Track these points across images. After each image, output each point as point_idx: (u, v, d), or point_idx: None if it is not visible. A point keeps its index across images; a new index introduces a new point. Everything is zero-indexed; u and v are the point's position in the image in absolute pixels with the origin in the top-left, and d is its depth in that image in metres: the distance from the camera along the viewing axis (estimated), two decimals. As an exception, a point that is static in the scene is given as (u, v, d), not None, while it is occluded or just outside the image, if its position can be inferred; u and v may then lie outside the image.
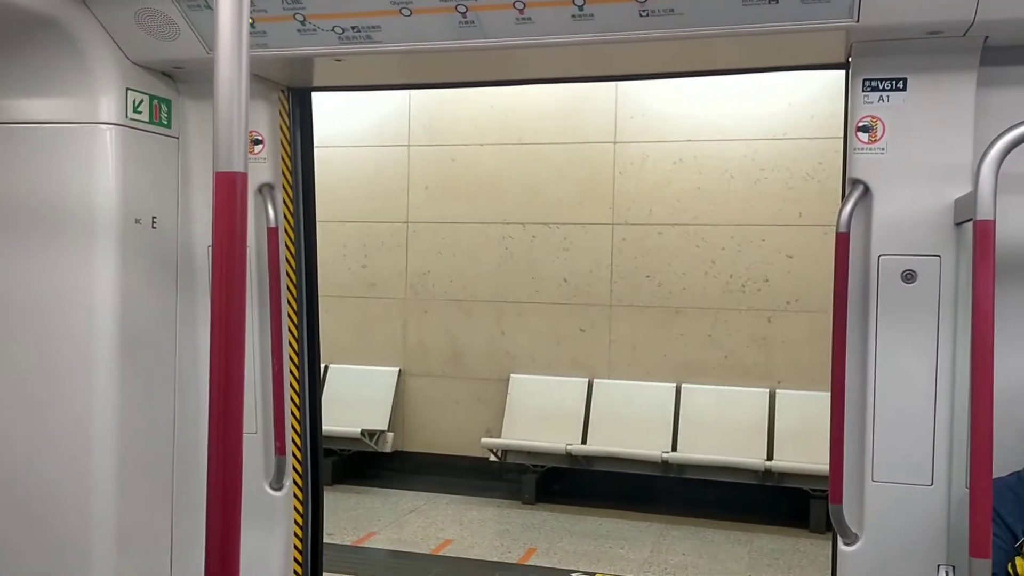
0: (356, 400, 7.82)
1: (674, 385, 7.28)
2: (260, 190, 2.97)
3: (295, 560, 3.18)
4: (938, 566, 2.36)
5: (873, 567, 2.40)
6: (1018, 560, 2.14)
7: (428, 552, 6.06)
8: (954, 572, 2.34)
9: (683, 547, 6.21)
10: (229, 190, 1.29)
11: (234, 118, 1.29)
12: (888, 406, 2.37)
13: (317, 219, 3.30)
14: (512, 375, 7.70)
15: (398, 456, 7.97)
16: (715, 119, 7.18)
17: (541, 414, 7.45)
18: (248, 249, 2.91)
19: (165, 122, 2.96)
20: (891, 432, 2.37)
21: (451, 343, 7.92)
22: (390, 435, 7.84)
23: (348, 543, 6.19)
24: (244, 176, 1.30)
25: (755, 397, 7.06)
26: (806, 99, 6.91)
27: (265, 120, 2.98)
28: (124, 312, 2.82)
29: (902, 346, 2.35)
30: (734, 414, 7.04)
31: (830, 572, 2.62)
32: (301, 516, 3.19)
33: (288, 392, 3.08)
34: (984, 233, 1.89)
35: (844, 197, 2.42)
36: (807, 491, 6.59)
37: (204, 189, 3.00)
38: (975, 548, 1.88)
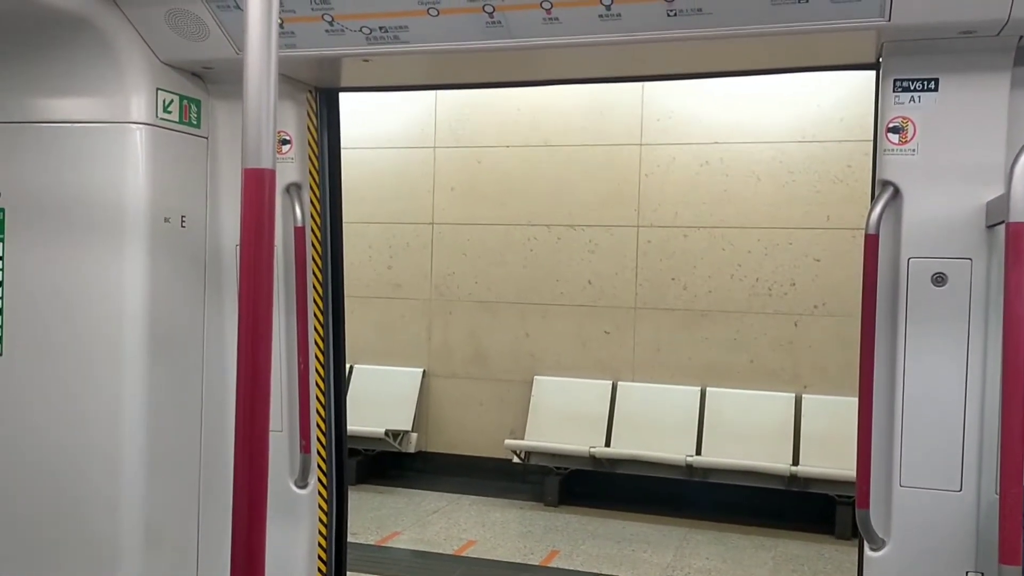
0: (380, 400, 7.85)
1: (699, 388, 7.24)
2: (288, 190, 2.99)
3: (319, 558, 3.19)
4: (967, 573, 2.33)
5: (900, 573, 2.37)
6: (1049, 568, 2.11)
7: (451, 553, 6.06)
8: (983, 580, 2.31)
9: (706, 551, 6.17)
10: (258, 187, 1.30)
11: (263, 116, 1.30)
12: (917, 410, 2.34)
13: (344, 220, 3.32)
14: (536, 377, 7.69)
15: (422, 456, 7.99)
16: (742, 121, 7.14)
17: (565, 416, 7.44)
18: (275, 248, 2.95)
19: (195, 122, 2.99)
20: (919, 436, 2.34)
21: (475, 344, 7.93)
22: (414, 435, 7.86)
23: (372, 542, 6.21)
24: (272, 173, 1.31)
25: (781, 401, 7.00)
26: (835, 101, 6.85)
27: (293, 120, 3.00)
28: (153, 310, 2.85)
29: (931, 350, 2.33)
30: (759, 418, 6.99)
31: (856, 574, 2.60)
32: (325, 514, 3.21)
33: (313, 391, 3.10)
34: (1017, 235, 1.87)
35: (874, 199, 2.40)
36: (833, 497, 6.52)
37: (233, 189, 3.03)
38: (1005, 555, 1.86)
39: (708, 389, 7.22)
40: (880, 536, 2.40)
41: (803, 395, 6.99)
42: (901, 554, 2.37)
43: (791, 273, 7.05)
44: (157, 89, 2.83)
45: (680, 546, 6.27)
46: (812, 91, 6.89)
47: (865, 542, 2.43)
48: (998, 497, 1.93)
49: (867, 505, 2.39)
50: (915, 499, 2.36)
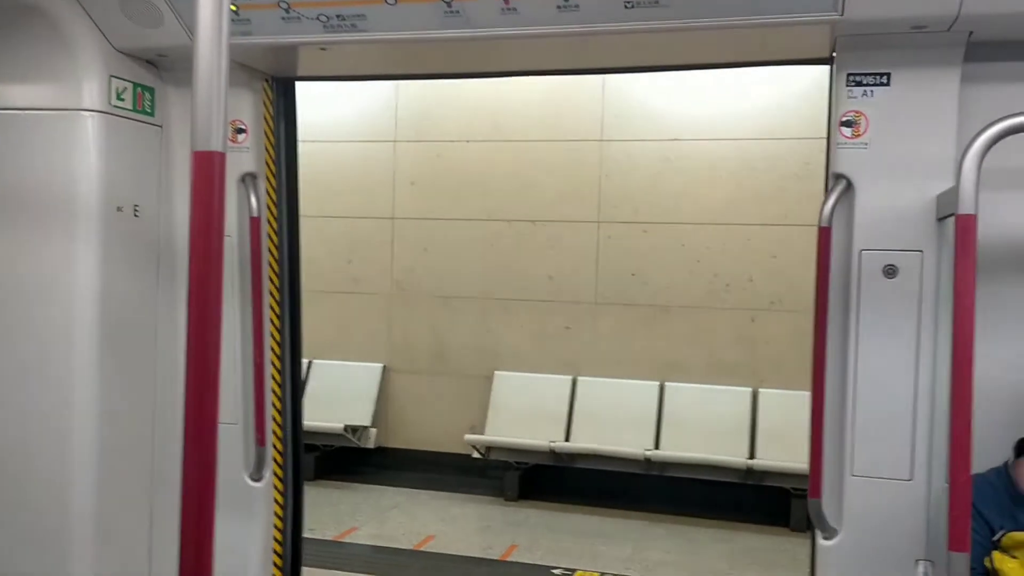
0: (339, 396, 7.79)
1: (658, 383, 7.29)
2: (243, 179, 2.95)
3: (274, 551, 3.16)
4: (916, 561, 2.37)
5: (851, 561, 2.40)
6: (995, 554, 2.15)
7: (410, 548, 6.04)
8: (932, 567, 2.35)
9: (665, 545, 6.22)
10: (207, 170, 1.28)
11: (213, 97, 1.28)
12: (868, 400, 2.38)
13: (301, 212, 3.28)
14: (496, 372, 7.69)
15: (381, 452, 7.94)
16: (702, 119, 7.20)
17: (525, 411, 7.44)
18: (230, 239, 2.91)
19: (148, 110, 2.94)
20: (871, 426, 2.38)
21: (436, 340, 7.90)
22: (373, 431, 7.82)
23: (329, 538, 6.17)
24: (222, 156, 1.29)
25: (738, 396, 7.07)
26: (793, 99, 6.93)
27: (249, 109, 2.96)
28: (105, 299, 2.79)
29: (883, 340, 2.36)
30: (717, 413, 7.05)
31: (809, 566, 2.63)
32: (281, 507, 3.17)
33: (269, 383, 3.07)
34: (966, 227, 1.90)
35: (827, 192, 2.43)
36: (788, 490, 6.60)
37: (186, 178, 2.97)
38: (954, 542, 1.89)
39: (667, 384, 7.27)
40: (832, 525, 2.44)
41: (759, 390, 7.07)
42: (852, 542, 2.41)
43: (749, 269, 7.13)
44: (110, 76, 2.78)
45: (639, 539, 6.31)
46: (771, 89, 6.96)
47: (817, 531, 2.47)
48: (947, 486, 1.97)
49: (819, 494, 2.42)
50: (866, 488, 2.40)
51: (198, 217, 1.30)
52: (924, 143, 2.32)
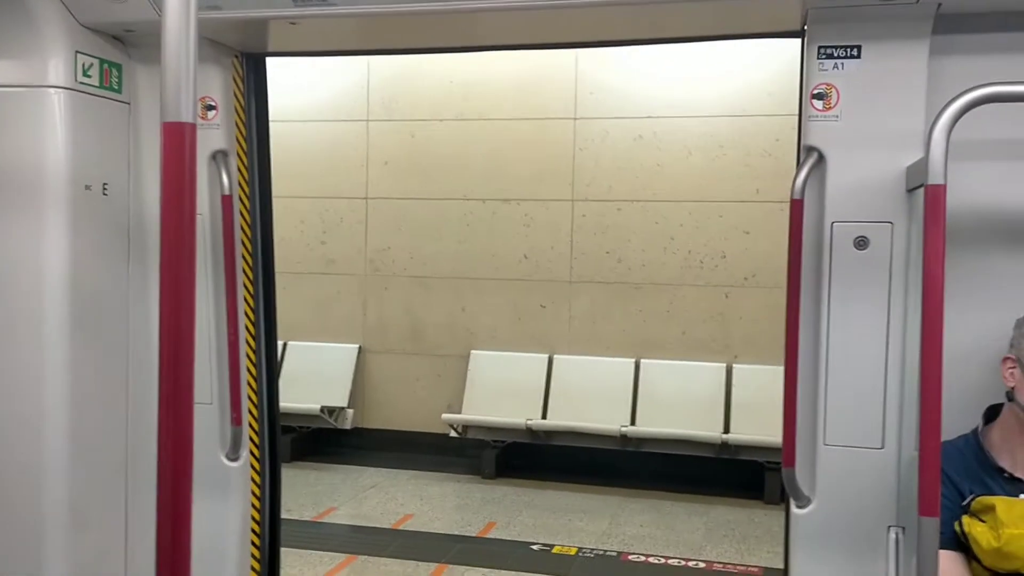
0: (315, 377, 7.78)
1: (633, 360, 7.34)
2: (214, 157, 2.91)
3: (252, 531, 3.15)
4: (888, 527, 2.40)
5: (825, 528, 2.44)
6: (965, 518, 2.19)
7: (388, 527, 6.06)
8: (903, 533, 2.39)
9: (641, 519, 6.29)
10: (178, 142, 1.26)
11: (182, 68, 1.26)
12: (840, 371, 2.41)
13: (273, 192, 3.25)
14: (472, 351, 7.70)
15: (358, 433, 7.94)
16: (675, 96, 7.21)
17: (501, 390, 7.47)
18: (202, 217, 2.88)
19: (116, 87, 2.89)
20: (843, 396, 2.41)
21: (411, 320, 7.90)
22: (350, 412, 7.82)
23: (307, 518, 6.17)
24: (193, 127, 1.27)
25: (712, 372, 7.14)
26: (764, 76, 6.96)
27: (218, 85, 2.92)
28: (75, 280, 2.76)
29: (854, 312, 2.39)
30: (691, 389, 7.12)
31: (783, 535, 2.66)
32: (258, 487, 3.16)
33: (244, 362, 3.05)
34: (935, 198, 1.92)
35: (799, 165, 2.44)
36: (762, 463, 6.70)
37: (156, 156, 2.94)
38: (924, 507, 1.92)
39: (642, 361, 7.32)
40: (805, 493, 2.47)
41: (733, 365, 7.14)
42: (825, 510, 2.44)
43: (722, 245, 7.17)
44: (76, 52, 2.73)
45: (615, 514, 6.37)
46: (742, 66, 6.99)
47: (791, 500, 2.50)
48: (917, 453, 2.00)
49: (793, 464, 2.45)
50: (838, 457, 2.43)
51: (169, 190, 1.28)
52: (894, 115, 2.33)
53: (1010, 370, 2.21)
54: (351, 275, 8.00)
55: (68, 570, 2.81)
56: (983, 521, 2.16)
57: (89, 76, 2.78)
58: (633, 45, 3.03)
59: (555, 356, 7.54)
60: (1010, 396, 2.21)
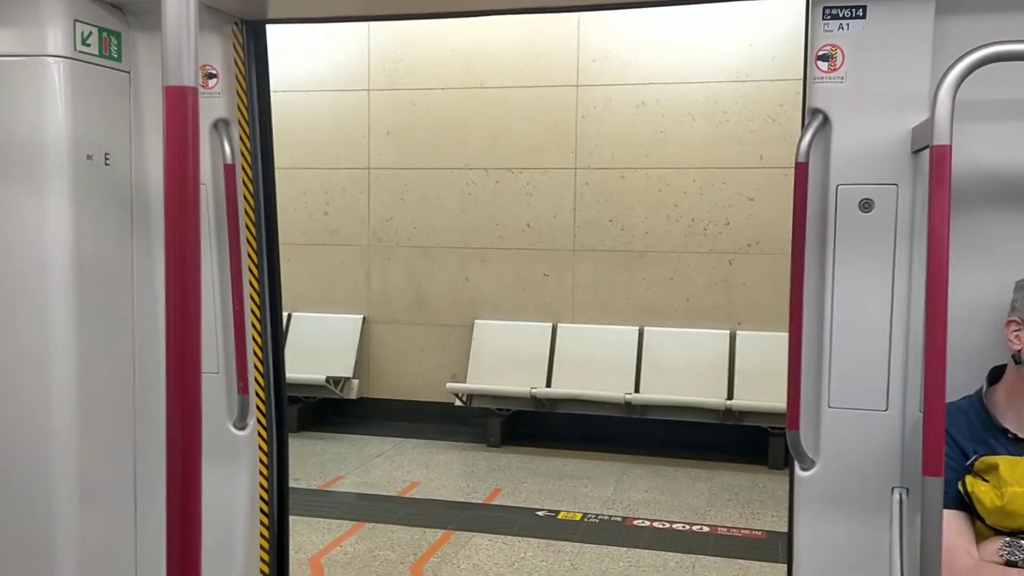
0: (320, 348, 7.80)
1: (637, 328, 7.35)
2: (215, 126, 2.90)
3: (261, 499, 3.18)
4: (892, 488, 2.42)
5: (828, 490, 2.45)
6: (968, 478, 2.21)
7: (395, 494, 6.11)
8: (907, 494, 2.40)
9: (645, 484, 6.33)
10: (180, 106, 1.25)
11: (183, 33, 1.25)
12: (845, 333, 2.41)
13: (276, 162, 3.24)
14: (476, 321, 7.71)
15: (363, 402, 7.98)
16: (678, 61, 7.15)
17: (506, 359, 7.49)
18: (205, 187, 2.87)
19: (115, 56, 2.87)
20: (847, 359, 2.41)
21: (415, 290, 7.90)
22: (355, 382, 7.85)
23: (315, 487, 6.23)
24: (195, 91, 1.26)
25: (716, 339, 7.16)
26: (768, 41, 6.90)
27: (219, 53, 2.90)
28: (79, 251, 2.76)
29: (859, 274, 2.38)
30: (695, 356, 7.14)
31: (787, 498, 2.68)
32: (266, 455, 3.19)
33: (250, 331, 3.05)
34: (940, 158, 1.91)
35: (803, 127, 2.43)
36: (766, 428, 6.73)
37: (157, 125, 2.93)
38: (928, 467, 1.93)
39: (646, 328, 7.33)
40: (810, 456, 2.48)
41: (737, 332, 7.15)
42: (830, 472, 2.45)
43: (725, 212, 7.15)
44: (75, 21, 2.71)
45: (620, 480, 6.42)
46: (745, 31, 6.93)
47: (796, 462, 2.51)
48: (922, 414, 2.00)
49: (797, 427, 2.46)
50: (843, 419, 2.44)
51: (172, 156, 1.27)
52: (900, 76, 2.31)
53: (1015, 332, 2.21)
54: (354, 246, 8.00)
55: (78, 541, 2.84)
56: (986, 481, 2.17)
57: (88, 45, 2.76)
58: (637, 8, 3.01)
59: (559, 325, 7.55)
60: (1017, 359, 2.21)
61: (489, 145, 7.60)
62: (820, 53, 2.37)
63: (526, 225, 7.59)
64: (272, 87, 3.19)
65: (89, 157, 2.77)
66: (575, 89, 7.41)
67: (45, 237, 2.73)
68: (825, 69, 2.37)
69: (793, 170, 2.41)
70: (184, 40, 1.26)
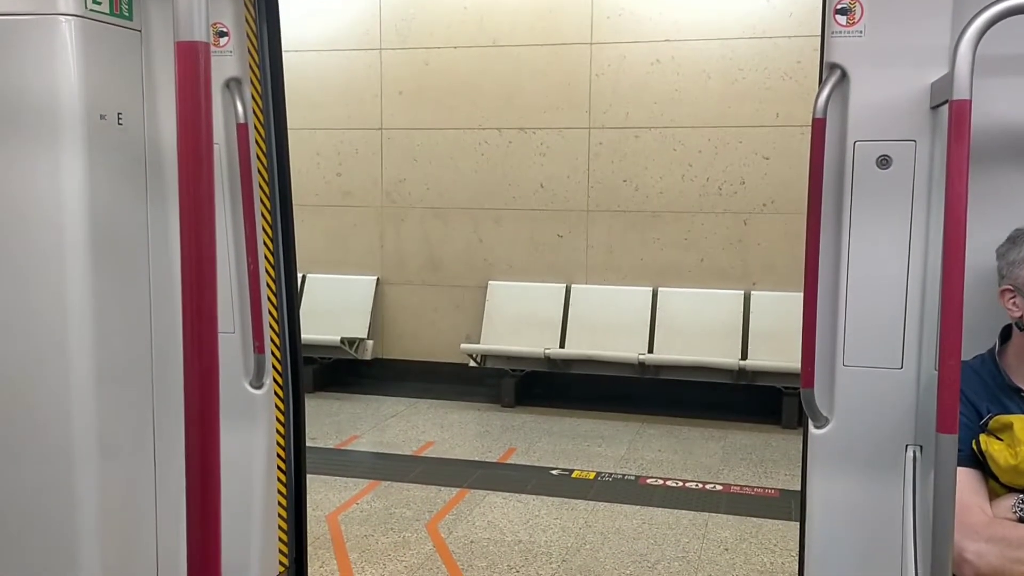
0: (335, 309, 7.84)
1: (651, 289, 7.34)
2: (227, 85, 2.89)
3: (279, 457, 3.22)
4: (906, 446, 2.42)
5: (842, 448, 2.46)
6: (982, 436, 2.20)
7: (410, 453, 6.17)
8: (921, 451, 2.40)
9: (659, 444, 6.37)
10: (192, 62, 1.24)
11: (194, -13, 1.24)
12: (860, 291, 2.39)
13: (288, 123, 3.23)
14: (490, 282, 7.72)
15: (378, 363, 8.04)
16: (693, 18, 7.06)
17: (519, 320, 7.51)
18: (217, 147, 2.87)
19: (126, 14, 2.85)
20: (862, 317, 2.40)
21: (428, 251, 7.91)
22: (370, 343, 7.90)
23: (331, 446, 6.29)
24: (207, 46, 1.25)
25: (730, 299, 7.14)
26: (785, -4, 6.79)
27: (230, 11, 2.88)
28: (94, 211, 2.76)
29: (875, 231, 2.36)
30: (709, 316, 7.13)
31: (800, 457, 2.69)
32: (283, 414, 3.22)
33: (265, 291, 3.07)
34: (960, 113, 1.88)
35: (821, 83, 2.40)
36: (780, 388, 6.74)
37: (170, 85, 2.91)
38: (942, 424, 1.92)
39: (660, 289, 7.32)
40: (824, 414, 2.48)
41: (752, 292, 7.13)
42: (844, 430, 2.46)
43: (741, 171, 7.10)
44: (84, -21, 2.69)
45: (633, 440, 6.45)
46: (762, -14, 6.81)
47: (810, 420, 2.51)
48: (936, 373, 2.00)
49: (811, 385, 2.45)
50: (857, 377, 2.43)
51: (185, 113, 1.27)
52: (919, 30, 2.27)
53: (1012, 300, 2.19)
54: (368, 207, 8.00)
55: (100, 497, 2.88)
56: (1000, 439, 2.17)
57: (99, 3, 2.74)
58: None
59: (573, 285, 7.55)
60: (1020, 325, 2.20)
61: (502, 105, 7.54)
62: (838, 7, 2.33)
63: (539, 186, 7.56)
64: (283, 47, 3.17)
65: (102, 117, 2.76)
66: (589, 47, 7.33)
67: (59, 197, 2.73)
68: (843, 23, 2.33)
69: (810, 128, 2.38)
70: (195, -5, 1.25)
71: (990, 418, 2.21)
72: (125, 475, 3.01)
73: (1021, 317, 2.18)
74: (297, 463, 3.35)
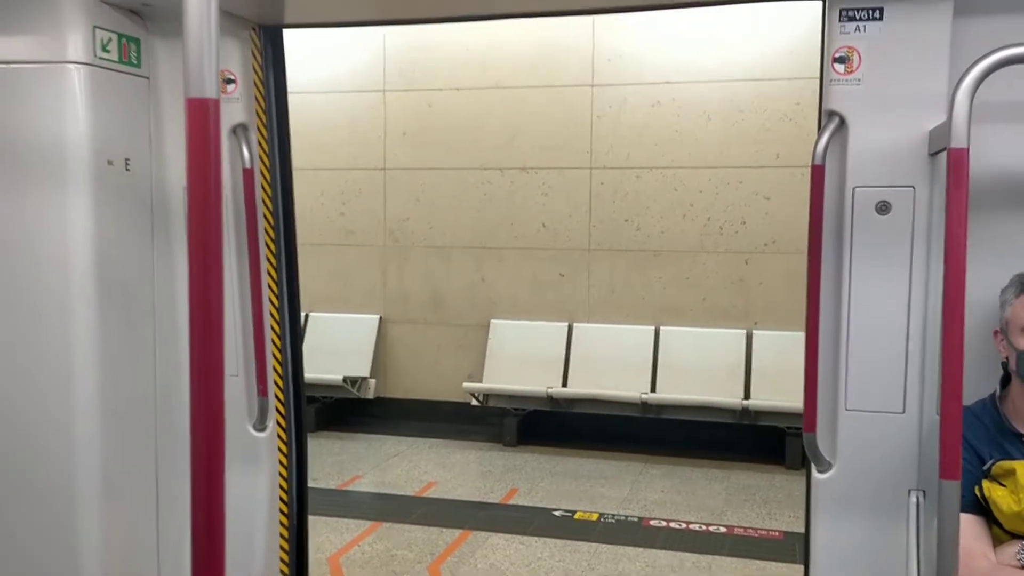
0: (337, 348, 7.84)
1: (653, 328, 7.34)
2: (234, 131, 2.93)
3: (280, 499, 3.21)
4: (909, 491, 2.42)
5: (845, 493, 2.45)
6: (985, 483, 2.20)
7: (412, 494, 6.14)
8: (924, 496, 2.40)
9: (662, 484, 6.33)
10: (202, 118, 1.27)
11: (204, 43, 1.26)
12: (861, 336, 2.41)
13: (293, 164, 3.27)
14: (493, 320, 7.73)
15: (380, 402, 8.02)
16: (693, 61, 7.14)
17: (522, 358, 7.50)
18: (223, 191, 2.90)
19: (135, 61, 2.91)
20: (864, 361, 2.41)
21: (431, 290, 7.93)
22: (372, 382, 7.88)
23: (333, 487, 6.26)
24: (217, 103, 1.28)
25: (732, 338, 7.14)
26: (784, 40, 6.87)
27: (237, 59, 2.93)
28: (100, 255, 2.79)
29: (875, 276, 2.38)
30: (712, 355, 7.12)
31: (804, 500, 2.68)
32: (285, 456, 3.22)
33: (269, 334, 3.08)
34: (958, 161, 1.90)
35: (820, 129, 2.43)
36: (783, 428, 6.71)
37: (176, 130, 2.96)
38: (945, 471, 1.92)
39: (662, 328, 7.32)
40: (827, 458, 2.48)
41: (754, 331, 7.13)
42: (846, 474, 2.45)
43: (742, 211, 7.13)
44: (94, 27, 2.74)
45: (636, 480, 6.42)
46: (762, 30, 6.90)
47: (812, 464, 2.51)
48: (938, 417, 2.00)
49: (814, 429, 2.46)
50: (860, 422, 2.44)
51: (195, 166, 1.29)
52: (917, 78, 2.31)
53: (1001, 342, 2.22)
54: (371, 246, 8.03)
55: (101, 539, 2.87)
56: (1003, 485, 2.17)
57: (108, 51, 2.79)
58: (652, 10, 3.01)
59: (575, 324, 7.55)
60: (1005, 366, 2.22)
61: (505, 145, 7.61)
62: (837, 55, 2.37)
63: (542, 225, 7.60)
64: (288, 89, 3.22)
65: (110, 162, 2.80)
66: (590, 89, 7.40)
67: (67, 241, 2.76)
68: (842, 71, 2.37)
69: (810, 169, 2.41)
70: (206, 51, 1.27)
71: (993, 464, 2.21)
72: (128, 515, 3.00)
73: (1007, 358, 2.20)
74: (299, 505, 3.34)
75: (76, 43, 2.70)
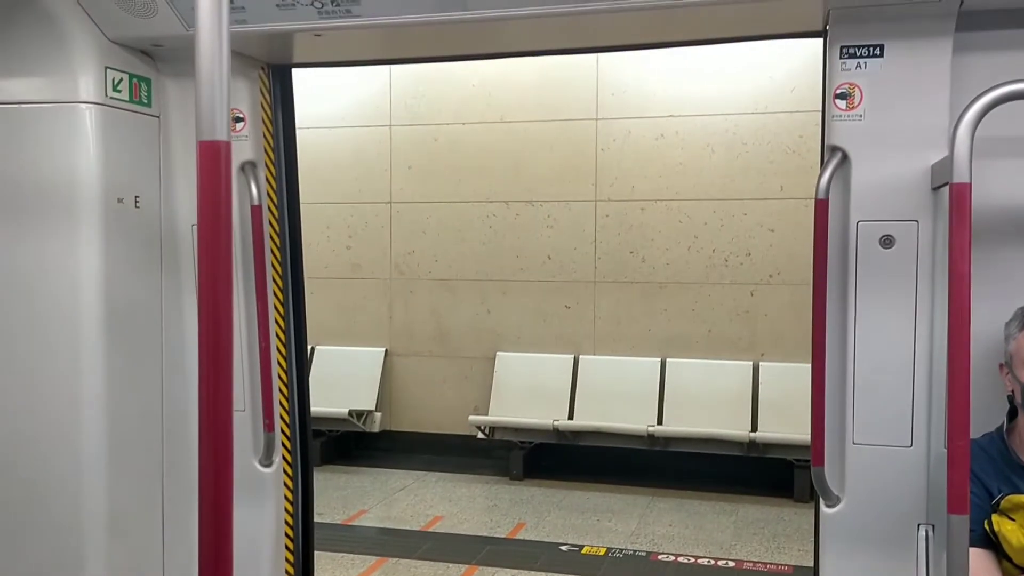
0: (343, 381, 7.84)
1: (659, 360, 7.33)
2: (243, 168, 2.96)
3: (286, 535, 3.20)
4: (918, 525, 2.40)
5: (854, 527, 2.44)
6: (995, 517, 2.19)
7: (418, 529, 6.10)
8: (933, 531, 2.38)
9: (669, 518, 6.29)
10: (213, 160, 1.29)
11: (216, 88, 1.29)
12: (868, 369, 2.41)
13: (300, 199, 3.30)
14: (498, 353, 7.73)
15: (386, 436, 8.00)
16: (697, 94, 7.20)
17: (528, 391, 7.49)
18: (232, 228, 2.92)
19: (145, 101, 2.95)
20: (871, 395, 2.41)
21: (437, 322, 7.94)
22: (378, 415, 7.87)
23: (338, 521, 6.23)
24: (228, 145, 1.30)
25: (739, 370, 7.12)
26: (787, 72, 6.93)
27: (246, 98, 2.97)
28: (109, 292, 2.81)
29: (880, 310, 2.39)
30: (718, 387, 7.10)
31: (813, 533, 2.67)
32: (291, 492, 3.21)
33: (276, 370, 3.10)
34: (960, 196, 1.92)
35: (823, 165, 2.45)
36: (791, 461, 6.67)
37: (186, 168, 3.00)
38: (953, 505, 1.92)
39: (668, 360, 7.31)
40: (835, 493, 2.47)
41: (760, 363, 7.11)
42: (855, 509, 2.44)
43: (746, 243, 7.15)
44: (105, 68, 2.79)
45: (644, 514, 6.37)
46: (764, 63, 6.96)
47: (821, 499, 2.50)
48: (946, 451, 2.00)
49: (822, 463, 2.45)
50: (867, 456, 2.43)
51: (205, 207, 1.31)
52: (918, 113, 2.33)
53: (1007, 376, 2.22)
54: (377, 279, 8.06)
55: (107, 573, 2.87)
56: (1013, 519, 2.16)
57: (119, 91, 2.84)
58: (654, 48, 3.05)
59: (581, 356, 7.55)
60: (1010, 399, 2.22)
61: (510, 178, 7.66)
62: (838, 91, 2.39)
63: (547, 257, 7.62)
64: (297, 125, 3.26)
65: (120, 200, 2.83)
66: (595, 122, 7.46)
67: (77, 278, 2.79)
68: (843, 107, 2.39)
69: (813, 202, 2.43)
70: (217, 94, 1.30)
71: (1002, 497, 2.20)
72: (133, 552, 3.00)
73: (1012, 391, 2.19)
74: (305, 541, 3.33)
75: (88, 83, 2.75)
